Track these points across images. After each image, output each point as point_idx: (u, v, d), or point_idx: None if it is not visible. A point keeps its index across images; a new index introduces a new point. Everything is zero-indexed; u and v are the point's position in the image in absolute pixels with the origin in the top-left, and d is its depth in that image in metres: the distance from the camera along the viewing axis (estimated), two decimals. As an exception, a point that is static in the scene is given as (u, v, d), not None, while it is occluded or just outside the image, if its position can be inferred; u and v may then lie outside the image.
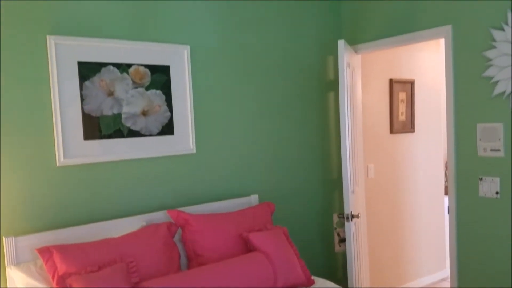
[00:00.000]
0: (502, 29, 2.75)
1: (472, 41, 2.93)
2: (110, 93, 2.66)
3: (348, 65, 3.33)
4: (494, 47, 2.79)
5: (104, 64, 2.63)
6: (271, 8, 3.39)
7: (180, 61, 2.95)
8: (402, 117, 4.26)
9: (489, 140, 2.90)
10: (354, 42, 3.67)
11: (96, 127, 2.61)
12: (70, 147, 2.51)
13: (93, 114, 2.59)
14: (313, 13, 3.64)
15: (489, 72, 2.84)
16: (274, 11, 3.41)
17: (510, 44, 2.72)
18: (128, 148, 2.73)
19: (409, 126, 4.34)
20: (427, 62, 4.49)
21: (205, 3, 3.06)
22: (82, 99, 2.55)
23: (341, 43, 3.17)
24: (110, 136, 2.66)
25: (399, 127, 4.24)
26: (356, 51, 3.67)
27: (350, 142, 3.28)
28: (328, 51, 3.73)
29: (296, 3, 3.53)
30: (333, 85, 3.77)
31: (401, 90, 4.25)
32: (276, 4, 3.41)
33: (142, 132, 2.79)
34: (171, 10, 2.90)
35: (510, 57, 2.73)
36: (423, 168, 4.52)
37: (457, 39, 3.01)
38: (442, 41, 3.30)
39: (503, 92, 2.79)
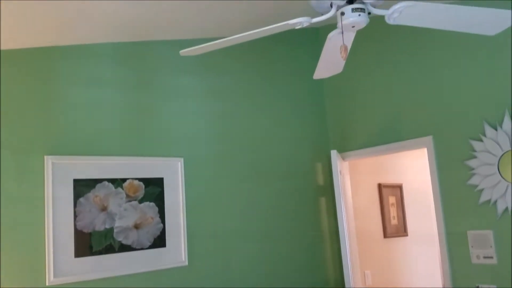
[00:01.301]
0: (481, 140, 2.90)
1: (454, 151, 3.07)
2: (104, 208, 2.69)
3: (340, 172, 3.44)
4: (475, 157, 2.92)
5: (99, 180, 2.69)
6: (263, 120, 3.56)
7: (174, 173, 3.03)
8: (394, 221, 4.29)
9: (481, 247, 2.90)
10: (341, 150, 3.81)
11: (88, 243, 2.59)
12: (60, 265, 2.47)
13: (85, 230, 2.60)
14: (302, 124, 3.82)
15: (473, 181, 2.94)
16: (266, 122, 3.58)
17: (490, 154, 2.85)
18: (119, 263, 2.69)
19: (402, 230, 4.34)
20: (414, 166, 4.63)
21: (199, 117, 3.22)
22: (75, 216, 2.57)
23: (333, 152, 3.32)
24: (101, 252, 2.64)
25: (392, 231, 4.24)
26: (343, 158, 3.80)
27: (349, 249, 3.28)
28: (317, 158, 3.85)
29: (286, 116, 3.72)
30: (323, 191, 3.83)
31: (390, 194, 4.33)
32: (267, 116, 3.60)
33: (134, 246, 2.77)
34: (165, 125, 3.05)
35: (492, 166, 2.85)
36: (419, 272, 4.44)
37: (438, 149, 3.15)
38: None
39: (489, 200, 2.86)
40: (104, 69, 2.85)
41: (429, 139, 3.19)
